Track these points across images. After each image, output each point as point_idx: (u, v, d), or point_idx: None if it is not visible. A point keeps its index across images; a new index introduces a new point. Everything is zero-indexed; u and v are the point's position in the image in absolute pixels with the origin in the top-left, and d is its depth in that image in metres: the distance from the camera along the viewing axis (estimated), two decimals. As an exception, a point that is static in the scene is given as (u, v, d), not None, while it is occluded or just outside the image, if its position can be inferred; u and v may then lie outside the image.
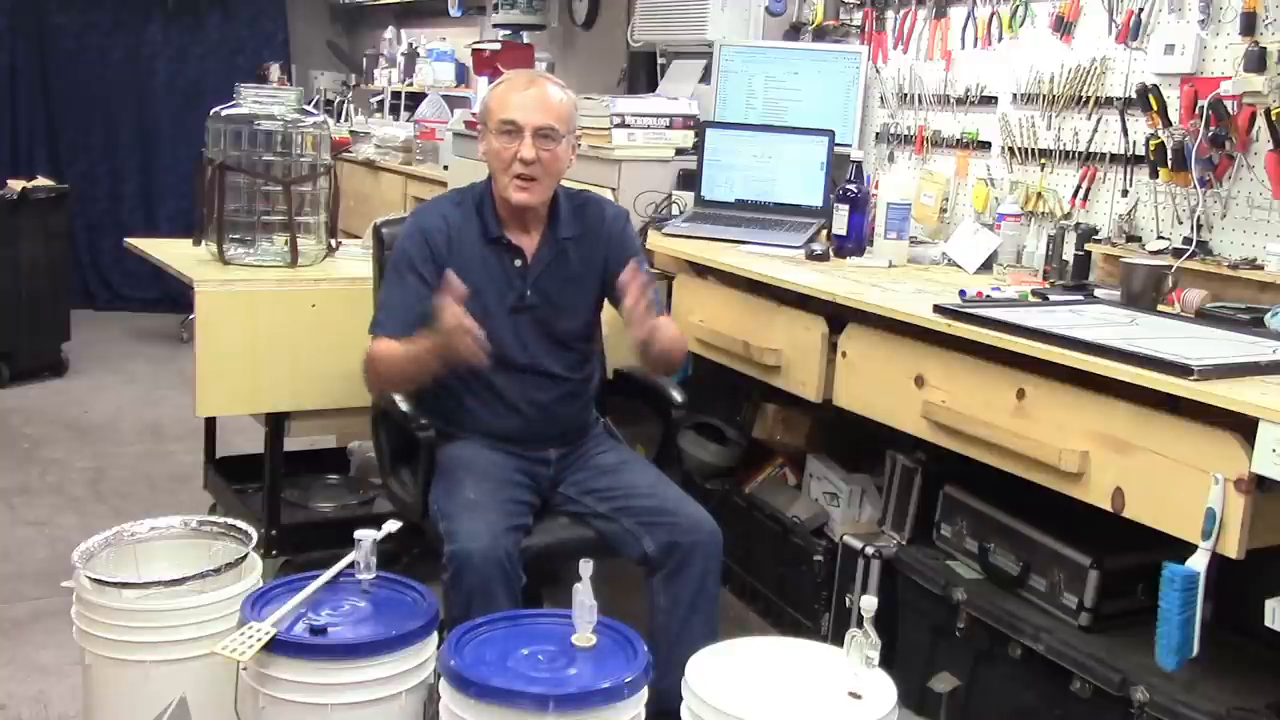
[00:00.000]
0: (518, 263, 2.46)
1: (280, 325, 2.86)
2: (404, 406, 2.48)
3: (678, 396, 2.63)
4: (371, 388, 2.46)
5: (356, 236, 3.54)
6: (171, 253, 3.11)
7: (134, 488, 3.99)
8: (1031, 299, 2.48)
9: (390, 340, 2.35)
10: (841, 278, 2.75)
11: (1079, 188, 2.87)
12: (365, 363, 2.40)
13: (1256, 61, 2.37)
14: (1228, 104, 2.43)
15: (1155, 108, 2.59)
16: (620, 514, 2.36)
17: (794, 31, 3.78)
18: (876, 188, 3.15)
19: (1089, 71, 2.83)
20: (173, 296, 6.13)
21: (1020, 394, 2.15)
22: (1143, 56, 2.71)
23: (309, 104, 3.41)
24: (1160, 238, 2.65)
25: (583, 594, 1.86)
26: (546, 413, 2.49)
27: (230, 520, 2.37)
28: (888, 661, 1.88)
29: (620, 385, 2.79)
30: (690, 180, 3.51)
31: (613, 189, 3.49)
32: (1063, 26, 2.90)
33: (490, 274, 2.43)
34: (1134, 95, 2.66)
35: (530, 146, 2.34)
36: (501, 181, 2.39)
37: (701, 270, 3.06)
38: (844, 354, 2.60)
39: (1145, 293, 2.43)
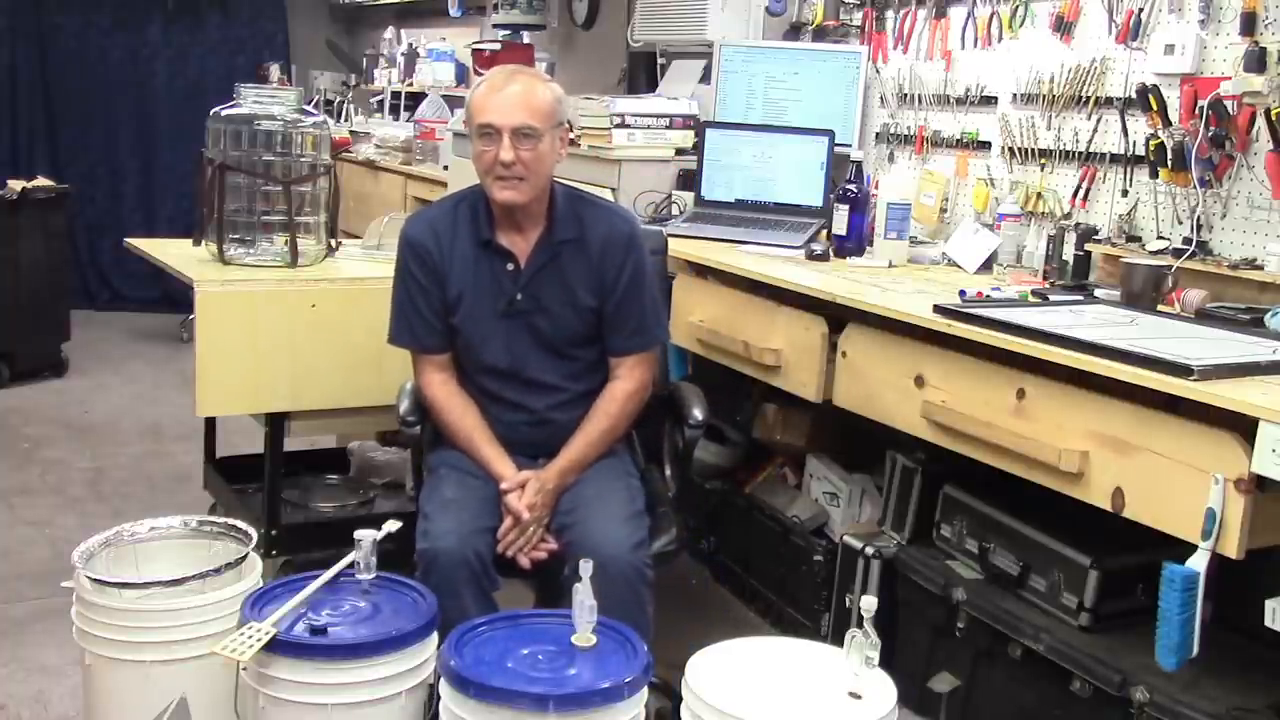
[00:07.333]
0: (509, 266, 2.37)
1: (280, 325, 2.86)
2: (402, 405, 2.47)
3: (699, 414, 2.49)
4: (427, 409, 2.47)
5: (356, 236, 3.54)
6: (171, 253, 3.11)
7: (134, 488, 3.99)
8: (1031, 299, 2.47)
9: (468, 408, 2.39)
10: (841, 278, 2.75)
11: (1079, 188, 2.87)
12: (427, 394, 2.42)
13: (1256, 61, 2.37)
14: (1228, 104, 2.44)
15: (1155, 108, 2.59)
16: (561, 530, 2.30)
17: (794, 31, 3.78)
18: (876, 188, 3.15)
19: (1089, 71, 2.83)
20: (173, 296, 6.12)
21: (1020, 394, 2.15)
22: (1143, 56, 2.71)
23: (309, 104, 3.40)
24: (1160, 238, 2.65)
25: (583, 594, 1.86)
26: (540, 422, 2.40)
27: (230, 520, 2.36)
28: (888, 661, 1.88)
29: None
30: (690, 180, 3.51)
31: (613, 189, 3.49)
32: (1063, 26, 2.90)
33: (481, 278, 2.37)
34: (1134, 95, 2.66)
35: (508, 148, 2.24)
36: (486, 183, 2.32)
37: (701, 270, 3.06)
38: (844, 354, 2.59)
39: (1145, 293, 2.43)
